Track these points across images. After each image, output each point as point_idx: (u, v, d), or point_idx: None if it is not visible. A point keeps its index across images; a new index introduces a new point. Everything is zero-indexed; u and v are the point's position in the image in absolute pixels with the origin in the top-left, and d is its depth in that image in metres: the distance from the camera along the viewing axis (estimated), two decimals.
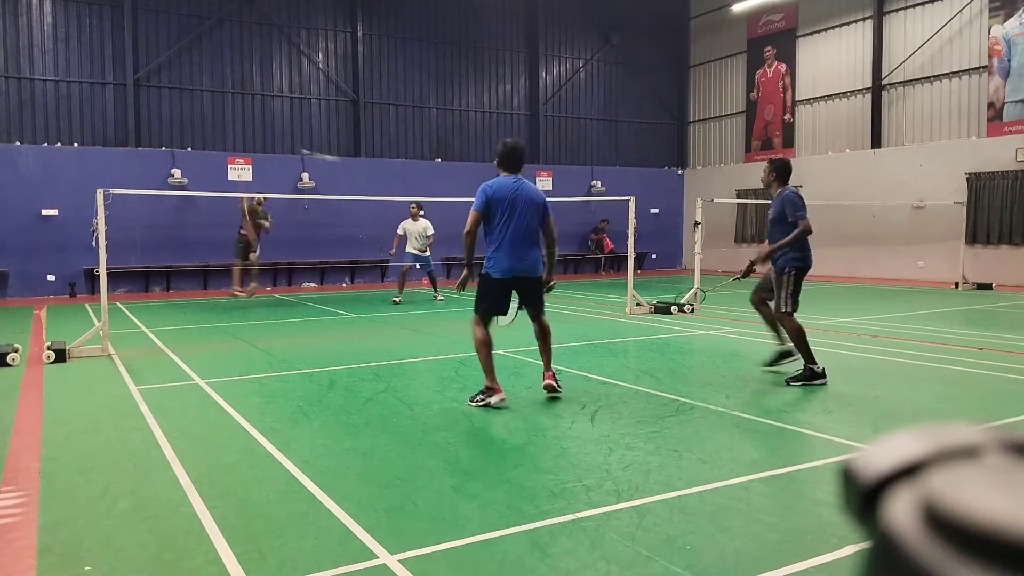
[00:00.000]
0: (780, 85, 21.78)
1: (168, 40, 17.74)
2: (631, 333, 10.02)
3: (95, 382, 7.12)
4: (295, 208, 17.99)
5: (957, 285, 16.09)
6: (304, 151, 18.58)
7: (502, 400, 5.83)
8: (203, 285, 17.41)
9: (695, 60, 24.49)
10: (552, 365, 6.23)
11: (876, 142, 19.37)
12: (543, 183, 21.28)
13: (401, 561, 3.15)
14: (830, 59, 20.46)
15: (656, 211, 23.47)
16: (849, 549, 3.23)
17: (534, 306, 6.12)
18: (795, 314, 6.67)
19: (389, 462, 4.59)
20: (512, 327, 6.56)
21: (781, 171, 6.93)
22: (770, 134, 22.14)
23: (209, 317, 12.26)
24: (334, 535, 3.45)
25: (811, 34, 20.92)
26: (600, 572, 3.06)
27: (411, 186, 19.12)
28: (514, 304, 6.19)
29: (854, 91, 19.92)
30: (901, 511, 0.38)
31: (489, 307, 5.96)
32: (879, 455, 0.42)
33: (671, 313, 11.76)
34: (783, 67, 21.65)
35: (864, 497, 0.41)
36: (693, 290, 12.05)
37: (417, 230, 14.04)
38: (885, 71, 19.15)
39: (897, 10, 18.93)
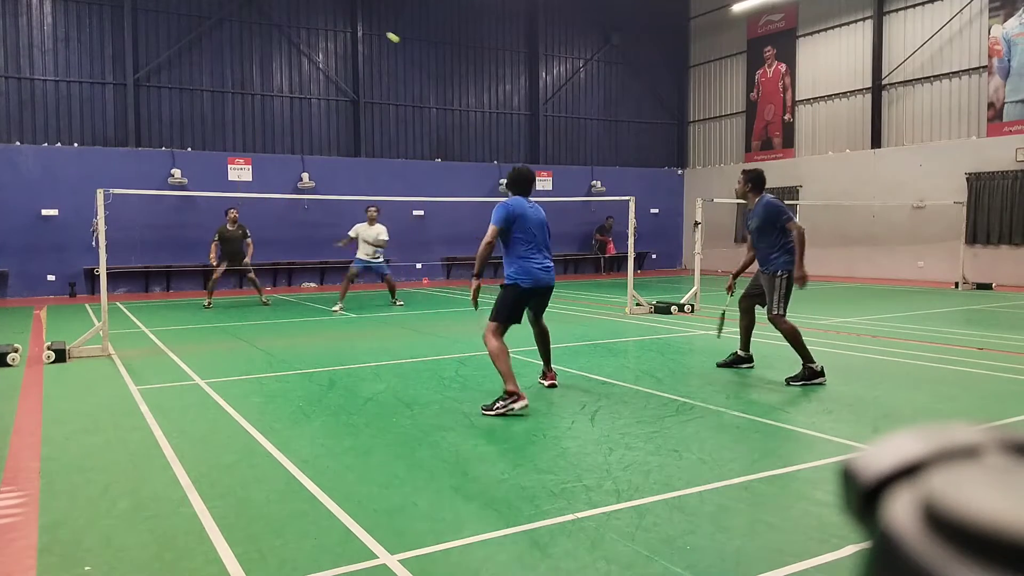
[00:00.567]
0: (780, 85, 21.78)
1: (168, 40, 17.74)
2: (631, 333, 10.02)
3: (95, 382, 7.12)
4: (295, 208, 17.99)
5: (957, 285, 16.09)
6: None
7: (526, 406, 5.68)
8: (203, 285, 17.37)
9: (695, 60, 24.49)
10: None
11: (876, 142, 19.36)
12: (543, 183, 21.29)
13: (401, 561, 3.15)
14: (830, 59, 20.45)
15: (656, 211, 23.47)
16: (849, 549, 3.23)
17: (541, 312, 6.39)
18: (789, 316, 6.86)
19: (389, 462, 4.59)
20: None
21: (756, 181, 7.12)
22: (770, 134, 22.14)
23: (209, 317, 12.26)
24: (334, 535, 3.45)
25: (811, 34, 20.91)
26: (600, 572, 3.06)
27: (411, 186, 19.13)
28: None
29: (854, 91, 19.92)
30: (901, 511, 0.38)
31: (512, 316, 6.03)
32: (879, 455, 0.42)
33: (671, 313, 11.76)
34: (783, 67, 21.65)
35: (864, 497, 0.41)
36: (693, 289, 12.07)
37: (371, 235, 13.00)
38: (885, 71, 19.15)
39: (897, 10, 18.93)
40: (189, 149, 17.84)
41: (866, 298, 14.61)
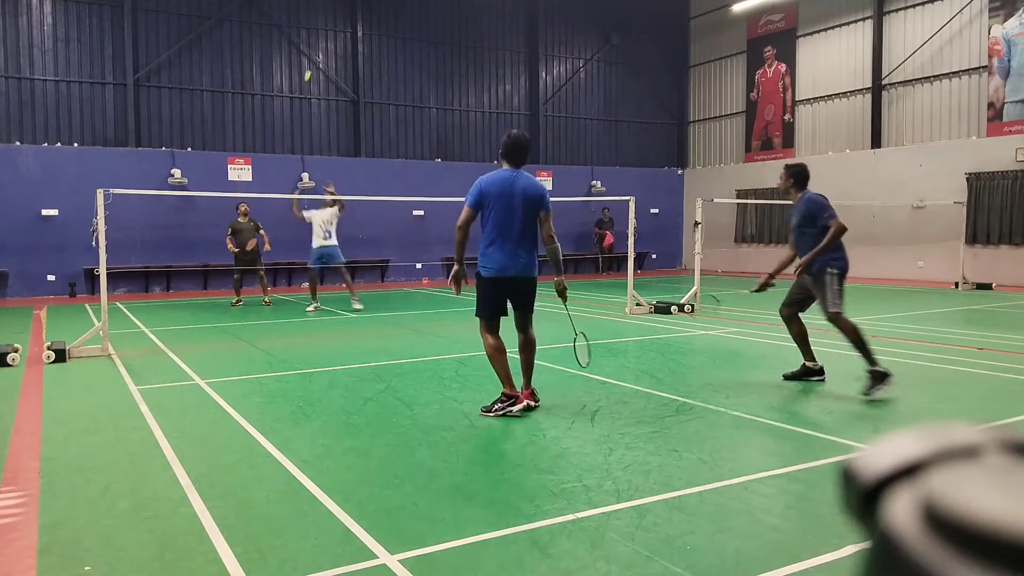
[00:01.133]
0: (780, 85, 21.78)
1: (168, 40, 17.74)
2: (631, 333, 10.02)
3: (95, 382, 7.12)
4: None
5: (957, 285, 16.09)
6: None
7: (525, 408, 5.57)
8: (203, 285, 17.41)
9: (695, 60, 24.49)
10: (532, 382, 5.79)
11: (876, 142, 19.37)
12: (543, 183, 21.26)
13: (401, 561, 3.15)
14: (830, 59, 20.45)
15: (656, 211, 23.47)
16: (849, 549, 3.23)
17: (523, 312, 5.71)
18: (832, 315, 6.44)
19: (389, 462, 4.59)
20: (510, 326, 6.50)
21: (799, 176, 6.75)
22: (770, 134, 22.14)
23: (209, 317, 12.26)
24: (334, 535, 3.45)
25: (811, 34, 20.92)
26: (600, 572, 3.06)
27: (411, 186, 19.13)
28: (583, 343, 6.23)
29: (854, 91, 19.92)
30: (901, 511, 0.38)
31: (491, 309, 5.61)
32: (879, 455, 0.42)
33: (671, 313, 11.76)
34: (783, 67, 21.65)
35: (864, 497, 0.41)
36: (693, 289, 12.06)
37: (323, 218, 12.57)
38: (885, 71, 19.15)
39: (897, 10, 18.93)
40: (189, 149, 17.84)
41: (866, 298, 14.61)
